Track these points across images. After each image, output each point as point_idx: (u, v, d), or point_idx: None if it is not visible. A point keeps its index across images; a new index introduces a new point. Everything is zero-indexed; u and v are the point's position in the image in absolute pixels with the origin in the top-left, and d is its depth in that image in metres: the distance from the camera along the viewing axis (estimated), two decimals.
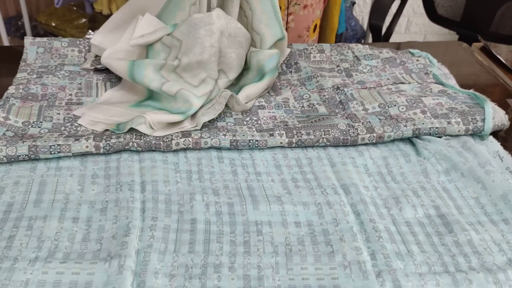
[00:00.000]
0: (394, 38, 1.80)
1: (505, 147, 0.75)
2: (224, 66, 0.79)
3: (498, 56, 1.05)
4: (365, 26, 2.10)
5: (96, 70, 0.87)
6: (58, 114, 0.75)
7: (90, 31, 1.92)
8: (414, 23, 2.47)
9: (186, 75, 0.75)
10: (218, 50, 0.76)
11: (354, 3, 2.20)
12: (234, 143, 0.71)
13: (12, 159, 0.66)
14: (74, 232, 0.57)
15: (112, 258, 0.53)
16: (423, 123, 0.75)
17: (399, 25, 2.42)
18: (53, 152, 0.66)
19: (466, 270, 0.55)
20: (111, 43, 0.82)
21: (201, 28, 0.74)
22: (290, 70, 0.92)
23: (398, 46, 1.11)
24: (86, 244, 0.56)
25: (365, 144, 0.75)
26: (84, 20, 1.99)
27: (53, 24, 1.97)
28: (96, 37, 0.86)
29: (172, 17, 0.83)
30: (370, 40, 1.94)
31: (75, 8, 2.00)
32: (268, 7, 0.84)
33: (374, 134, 0.74)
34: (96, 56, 0.89)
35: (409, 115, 0.77)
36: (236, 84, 0.84)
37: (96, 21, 1.96)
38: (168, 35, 0.77)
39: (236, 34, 0.79)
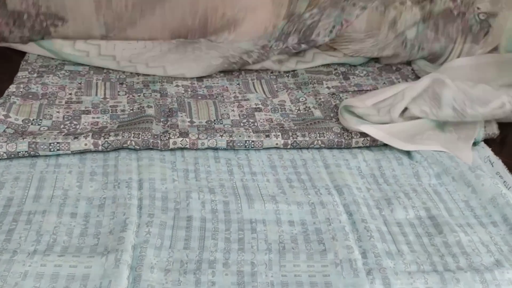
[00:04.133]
0: None
1: (496, 153, 0.76)
2: None
3: None
4: None
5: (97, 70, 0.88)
6: (58, 112, 0.77)
7: None
8: None
9: None
10: None
11: None
12: (231, 144, 0.72)
13: (12, 155, 0.67)
14: (72, 227, 0.58)
15: (109, 253, 0.54)
16: None
17: None
18: (52, 150, 0.67)
19: (454, 269, 0.56)
20: None
21: None
22: (287, 74, 0.94)
23: None
24: (83, 238, 0.57)
25: (359, 147, 0.76)
26: None
27: None
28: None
29: None
30: None
31: None
32: None
33: (368, 138, 0.75)
34: None
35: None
36: None
37: None
38: None
39: None
